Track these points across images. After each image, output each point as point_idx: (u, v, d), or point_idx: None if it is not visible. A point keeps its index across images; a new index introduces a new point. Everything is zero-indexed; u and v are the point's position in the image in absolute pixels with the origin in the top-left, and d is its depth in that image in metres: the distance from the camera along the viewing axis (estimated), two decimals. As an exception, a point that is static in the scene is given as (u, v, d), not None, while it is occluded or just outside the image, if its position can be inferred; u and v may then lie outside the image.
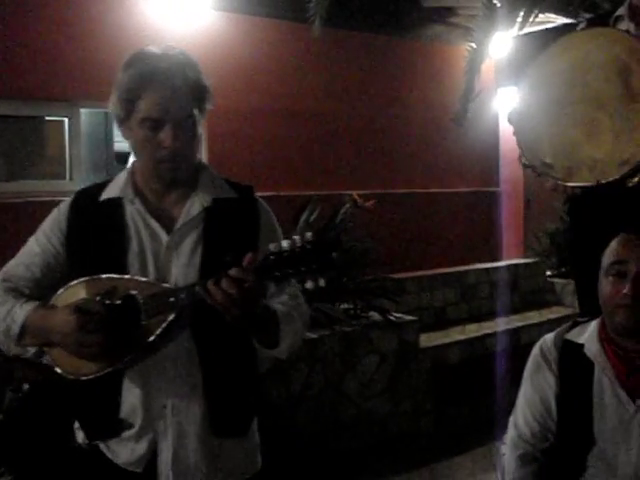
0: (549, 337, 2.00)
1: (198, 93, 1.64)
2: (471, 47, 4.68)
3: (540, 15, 5.60)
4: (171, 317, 1.56)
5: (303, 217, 4.61)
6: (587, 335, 1.92)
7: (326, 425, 4.14)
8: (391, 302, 4.67)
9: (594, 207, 2.27)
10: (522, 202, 7.73)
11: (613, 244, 1.89)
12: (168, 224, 1.68)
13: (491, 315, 5.64)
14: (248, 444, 1.78)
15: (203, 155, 5.52)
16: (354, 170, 6.10)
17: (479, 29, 4.71)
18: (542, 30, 6.25)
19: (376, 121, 6.31)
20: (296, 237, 1.42)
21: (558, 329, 2.02)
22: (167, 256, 1.66)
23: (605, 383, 1.84)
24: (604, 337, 1.88)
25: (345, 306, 4.53)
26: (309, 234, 1.42)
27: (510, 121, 2.32)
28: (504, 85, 6.88)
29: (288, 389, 4.00)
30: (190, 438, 1.66)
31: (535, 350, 2.00)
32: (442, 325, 5.33)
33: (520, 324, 5.38)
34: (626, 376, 1.82)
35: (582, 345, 1.91)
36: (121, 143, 5.64)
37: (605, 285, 1.86)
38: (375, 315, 4.53)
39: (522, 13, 4.71)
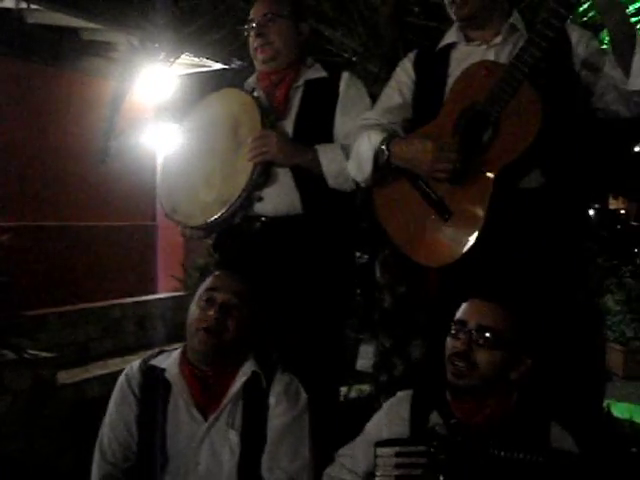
0: (135, 363, 2.14)
1: None
2: (114, 84, 4.75)
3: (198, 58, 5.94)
4: None
5: None
6: (170, 360, 2.10)
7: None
8: (28, 340, 4.51)
9: (226, 245, 2.54)
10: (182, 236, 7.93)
11: (210, 277, 2.11)
12: None
13: (138, 349, 5.69)
14: None
15: None
16: (-4, 201, 5.81)
17: (122, 66, 4.82)
18: (205, 72, 6.61)
19: (23, 151, 6.08)
20: None
21: (145, 356, 2.18)
22: None
23: (181, 404, 2.02)
24: (184, 360, 2.07)
25: (-26, 346, 4.27)
26: None
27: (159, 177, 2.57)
28: (165, 121, 7.03)
29: None
30: None
31: (121, 376, 2.13)
32: (85, 361, 5.25)
33: (164, 356, 5.50)
34: (200, 394, 2.02)
35: (164, 369, 2.08)
36: None
37: (194, 310, 2.05)
38: (9, 354, 4.33)
39: (163, 55, 4.88)
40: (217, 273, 2.10)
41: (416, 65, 2.30)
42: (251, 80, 2.60)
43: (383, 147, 2.13)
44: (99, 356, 5.41)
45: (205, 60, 6.40)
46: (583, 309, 2.33)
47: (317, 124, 2.45)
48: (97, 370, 5.04)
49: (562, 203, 2.09)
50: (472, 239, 2.00)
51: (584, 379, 2.27)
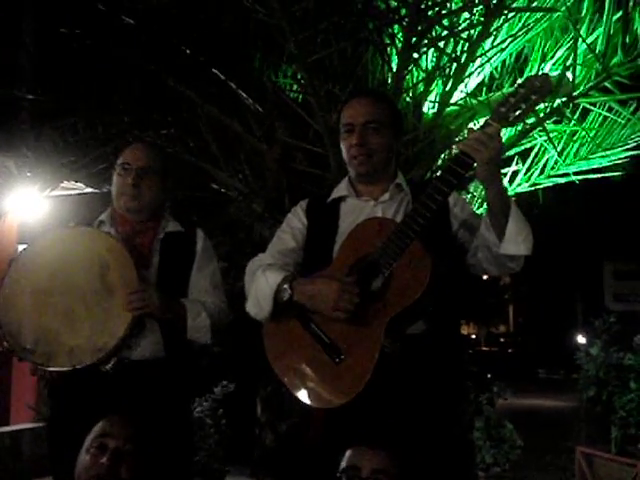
0: None
1: None
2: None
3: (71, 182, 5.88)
4: None
5: None
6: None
7: None
8: None
9: (71, 391, 2.41)
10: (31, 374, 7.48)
11: (100, 422, 2.04)
12: None
13: (-10, 487, 5.27)
14: None
15: None
16: None
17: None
18: (75, 195, 6.52)
19: None
20: None
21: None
22: None
23: None
24: None
25: None
26: None
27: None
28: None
29: None
30: None
31: None
32: None
33: (21, 494, 5.12)
34: None
35: None
36: None
37: (84, 458, 1.96)
38: None
39: (40, 182, 4.83)
40: (108, 418, 2.04)
41: (308, 213, 2.43)
42: (104, 217, 2.58)
43: (285, 285, 2.20)
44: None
45: (76, 184, 6.37)
46: (458, 444, 2.46)
47: (176, 277, 2.54)
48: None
49: (441, 346, 2.24)
50: (363, 383, 2.08)
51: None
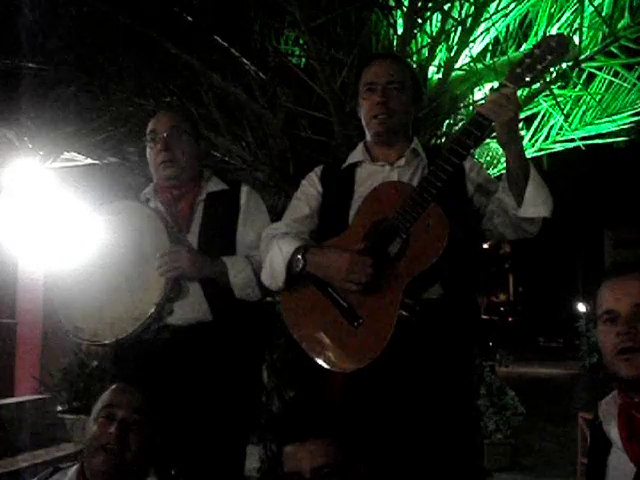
0: None
1: None
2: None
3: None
4: None
5: None
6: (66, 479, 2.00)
7: None
8: None
9: (125, 363, 2.47)
10: (40, 335, 7.52)
11: (107, 392, 2.04)
12: None
13: (-2, 456, 5.30)
14: None
15: None
16: None
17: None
18: (76, 167, 6.48)
19: None
20: None
21: (39, 475, 2.06)
22: None
23: None
24: (82, 479, 1.98)
25: None
26: None
27: (51, 292, 2.46)
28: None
29: None
30: None
31: None
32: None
33: (25, 464, 5.16)
34: None
35: None
36: None
37: (92, 427, 1.97)
38: None
39: (42, 153, 4.80)
40: (115, 388, 2.04)
41: (322, 179, 2.41)
42: (147, 191, 2.60)
43: (299, 256, 2.19)
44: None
45: (77, 155, 6.33)
46: (466, 410, 2.46)
47: (220, 236, 2.49)
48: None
49: (458, 311, 2.23)
50: (382, 347, 2.07)
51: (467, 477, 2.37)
